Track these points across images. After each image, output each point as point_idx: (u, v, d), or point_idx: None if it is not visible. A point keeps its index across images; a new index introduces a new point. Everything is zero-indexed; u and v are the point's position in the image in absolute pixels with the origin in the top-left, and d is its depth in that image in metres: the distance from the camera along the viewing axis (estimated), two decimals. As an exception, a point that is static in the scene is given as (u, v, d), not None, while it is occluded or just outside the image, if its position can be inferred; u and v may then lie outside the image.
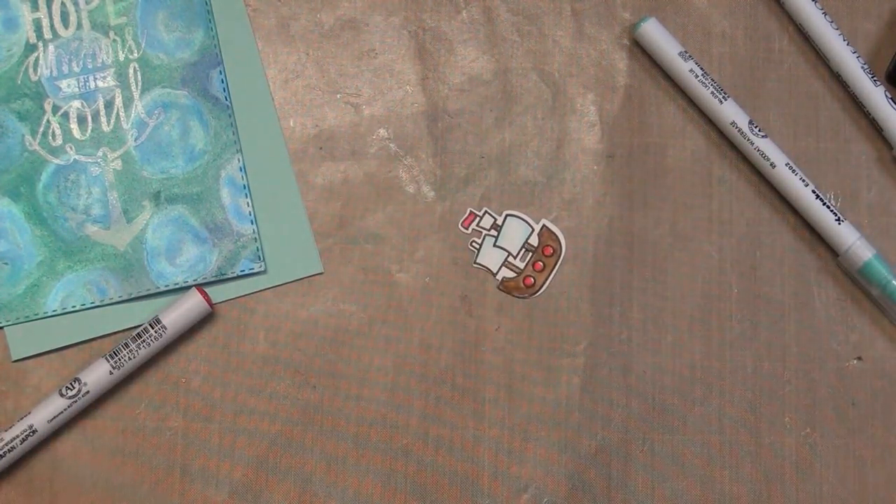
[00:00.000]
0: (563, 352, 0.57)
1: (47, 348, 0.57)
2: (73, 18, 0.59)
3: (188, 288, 0.57)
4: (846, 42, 0.58)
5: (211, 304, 0.56)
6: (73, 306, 0.56)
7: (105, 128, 0.58)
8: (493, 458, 0.56)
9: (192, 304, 0.55)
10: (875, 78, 0.58)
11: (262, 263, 0.57)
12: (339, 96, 0.59)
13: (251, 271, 0.57)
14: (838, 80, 0.59)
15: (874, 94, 0.58)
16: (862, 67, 0.58)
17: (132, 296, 0.57)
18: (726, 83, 0.59)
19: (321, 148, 0.59)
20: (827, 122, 0.59)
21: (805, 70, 0.60)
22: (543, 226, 0.58)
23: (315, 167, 0.59)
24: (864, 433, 0.56)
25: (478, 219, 0.58)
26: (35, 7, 0.59)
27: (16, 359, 0.56)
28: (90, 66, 0.59)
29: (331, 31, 0.60)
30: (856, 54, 0.58)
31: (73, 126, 0.58)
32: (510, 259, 0.58)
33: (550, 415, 0.56)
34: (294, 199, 0.58)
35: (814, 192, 0.57)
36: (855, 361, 0.57)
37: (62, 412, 0.54)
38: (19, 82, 0.58)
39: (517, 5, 0.60)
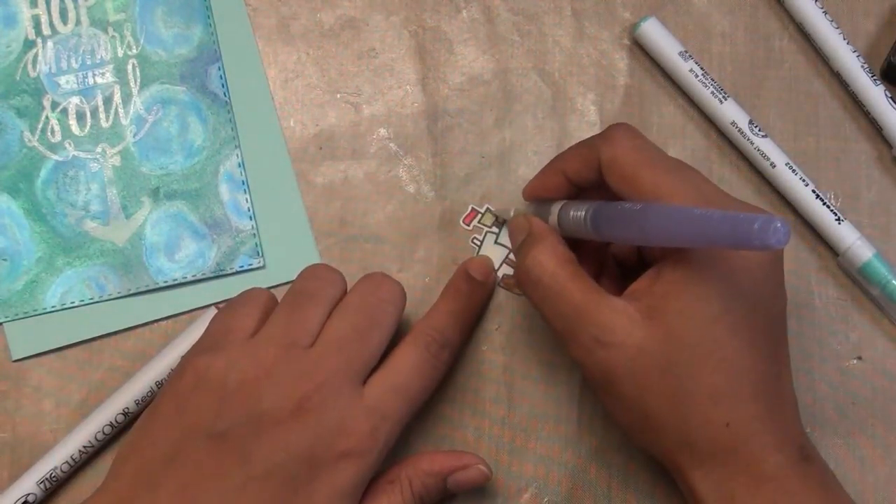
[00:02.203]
0: (564, 350, 0.57)
1: (47, 348, 0.56)
2: (71, 15, 0.59)
3: (187, 284, 0.57)
4: (846, 41, 0.58)
5: None
6: (72, 302, 0.56)
7: (104, 124, 0.58)
8: (493, 457, 0.56)
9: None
10: (875, 77, 0.58)
11: (262, 259, 0.57)
12: (339, 96, 0.59)
13: (250, 267, 0.57)
14: (838, 79, 0.59)
15: (874, 93, 0.58)
16: (862, 67, 0.58)
17: (131, 291, 0.57)
18: (726, 83, 0.59)
19: (321, 147, 0.59)
20: (827, 121, 0.59)
21: (805, 69, 0.60)
22: (543, 224, 0.58)
23: (315, 167, 0.59)
24: (864, 432, 0.56)
25: (479, 216, 0.58)
26: (34, 3, 0.59)
27: (16, 358, 0.56)
28: (89, 63, 0.59)
29: (331, 30, 0.60)
30: (856, 53, 0.58)
31: (72, 122, 0.58)
32: (511, 256, 0.57)
33: (551, 413, 0.56)
34: (294, 199, 0.58)
35: (814, 191, 0.57)
36: (855, 361, 0.57)
37: None
38: (18, 78, 0.58)
39: (517, 5, 0.60)
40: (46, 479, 0.53)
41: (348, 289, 0.52)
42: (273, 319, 0.50)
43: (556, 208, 0.52)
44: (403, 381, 0.50)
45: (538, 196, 0.53)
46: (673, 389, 0.45)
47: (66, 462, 0.54)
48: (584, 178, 0.50)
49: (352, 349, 0.49)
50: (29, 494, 0.53)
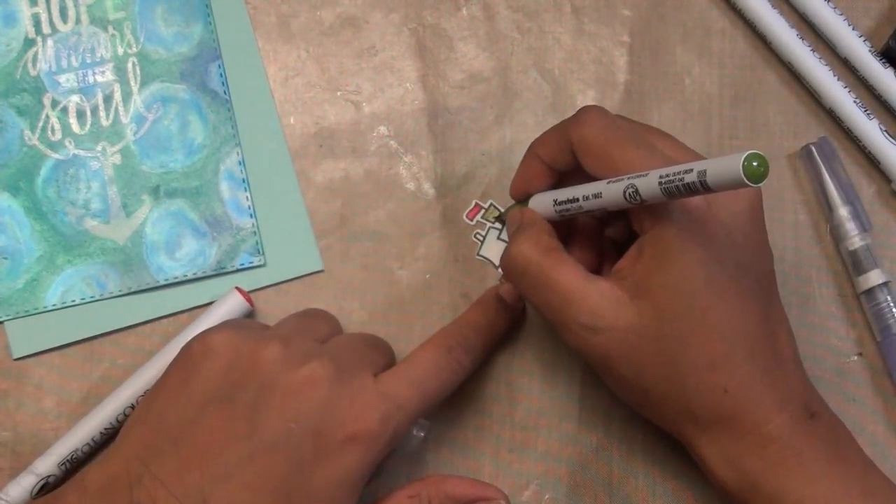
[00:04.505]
0: (559, 338, 0.57)
1: (48, 346, 0.57)
2: (71, 13, 0.59)
3: (188, 282, 0.57)
4: (851, 27, 0.58)
5: (251, 301, 0.56)
6: (73, 300, 0.56)
7: (104, 122, 0.58)
8: (494, 454, 0.56)
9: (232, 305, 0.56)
10: (884, 61, 0.58)
11: (262, 257, 0.57)
12: (339, 94, 0.59)
13: (251, 265, 0.57)
14: (847, 66, 0.59)
15: (884, 76, 0.58)
16: (870, 51, 0.58)
17: (132, 290, 0.57)
18: (726, 79, 0.59)
19: (321, 146, 0.59)
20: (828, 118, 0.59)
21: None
22: (545, 221, 0.58)
23: (315, 165, 0.59)
24: (865, 430, 0.56)
25: (483, 210, 0.58)
26: (34, 2, 0.59)
27: (17, 356, 0.56)
28: (89, 61, 0.59)
29: (331, 28, 0.60)
30: (861, 38, 0.58)
31: (73, 121, 0.58)
32: (511, 254, 0.57)
33: (552, 410, 0.56)
34: (294, 197, 0.58)
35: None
36: (855, 358, 0.57)
37: None
38: (18, 77, 0.58)
39: (517, 2, 0.60)
40: (67, 460, 0.54)
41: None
42: (284, 319, 0.52)
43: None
44: (420, 375, 0.50)
45: (524, 190, 0.53)
46: (668, 363, 0.46)
47: (87, 444, 0.54)
48: (561, 162, 0.50)
49: (363, 349, 0.51)
50: (50, 476, 0.53)
